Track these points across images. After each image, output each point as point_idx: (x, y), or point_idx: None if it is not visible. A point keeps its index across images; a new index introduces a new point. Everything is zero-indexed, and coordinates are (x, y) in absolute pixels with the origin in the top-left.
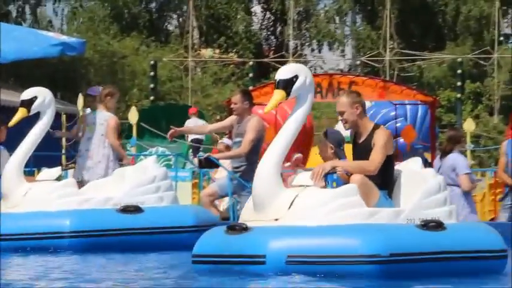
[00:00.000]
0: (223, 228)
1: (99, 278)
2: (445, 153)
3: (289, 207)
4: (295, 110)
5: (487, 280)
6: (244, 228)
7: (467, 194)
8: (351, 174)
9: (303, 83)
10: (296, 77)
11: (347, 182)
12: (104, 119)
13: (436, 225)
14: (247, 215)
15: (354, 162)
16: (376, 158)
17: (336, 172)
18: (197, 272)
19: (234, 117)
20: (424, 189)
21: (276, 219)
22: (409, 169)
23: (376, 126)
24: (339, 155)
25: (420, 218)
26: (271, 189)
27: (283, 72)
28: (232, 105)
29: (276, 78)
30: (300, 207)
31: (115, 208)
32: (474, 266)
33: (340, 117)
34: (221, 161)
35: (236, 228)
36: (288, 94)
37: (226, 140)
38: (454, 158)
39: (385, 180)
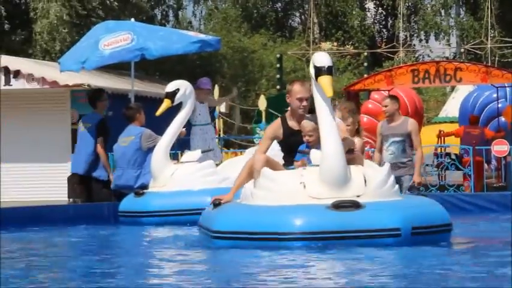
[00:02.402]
0: (323, 205)
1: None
2: None
3: (365, 185)
4: (320, 94)
5: None
6: (358, 205)
7: None
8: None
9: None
10: (332, 64)
11: None
12: None
13: None
14: (316, 193)
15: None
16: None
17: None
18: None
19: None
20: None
21: (358, 196)
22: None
23: None
24: None
25: None
26: (345, 168)
27: (327, 60)
28: (384, 108)
29: (324, 65)
30: (373, 184)
31: None
32: None
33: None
34: None
35: (346, 205)
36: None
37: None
38: None
39: None
